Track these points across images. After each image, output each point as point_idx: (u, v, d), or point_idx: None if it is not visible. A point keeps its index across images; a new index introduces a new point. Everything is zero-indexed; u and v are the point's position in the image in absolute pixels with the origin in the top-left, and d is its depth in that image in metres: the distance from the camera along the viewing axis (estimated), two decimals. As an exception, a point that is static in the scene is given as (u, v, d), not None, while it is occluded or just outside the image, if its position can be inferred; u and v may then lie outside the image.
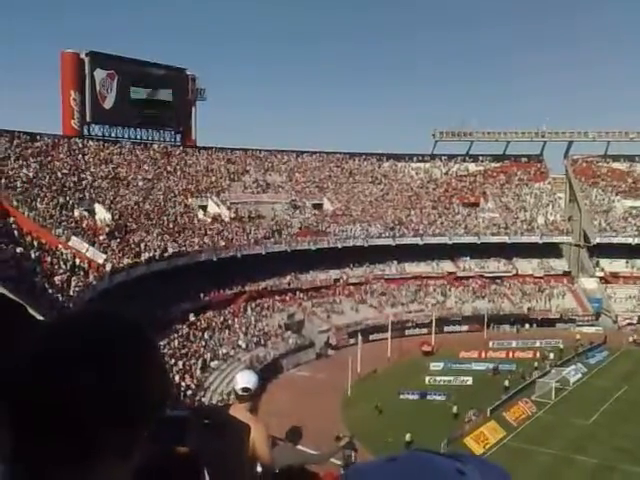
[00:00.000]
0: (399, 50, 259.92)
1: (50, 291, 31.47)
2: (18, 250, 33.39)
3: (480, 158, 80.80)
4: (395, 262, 66.35)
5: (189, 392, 35.18)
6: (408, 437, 31.15)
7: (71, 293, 32.56)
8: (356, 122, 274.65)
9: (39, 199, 43.02)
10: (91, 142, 58.61)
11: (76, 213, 44.90)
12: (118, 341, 0.91)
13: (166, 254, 46.27)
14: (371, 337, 54.12)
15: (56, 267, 34.74)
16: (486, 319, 58.89)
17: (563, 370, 44.60)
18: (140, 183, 56.17)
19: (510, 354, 51.47)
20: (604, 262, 68.09)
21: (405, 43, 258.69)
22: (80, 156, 54.92)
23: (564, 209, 75.85)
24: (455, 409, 36.90)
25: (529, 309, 63.59)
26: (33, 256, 34.20)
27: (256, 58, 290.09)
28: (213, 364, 42.08)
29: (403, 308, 61.60)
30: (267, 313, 53.92)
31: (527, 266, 68.67)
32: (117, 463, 0.89)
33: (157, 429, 0.95)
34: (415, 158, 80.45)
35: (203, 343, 43.99)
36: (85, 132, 59.90)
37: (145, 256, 43.93)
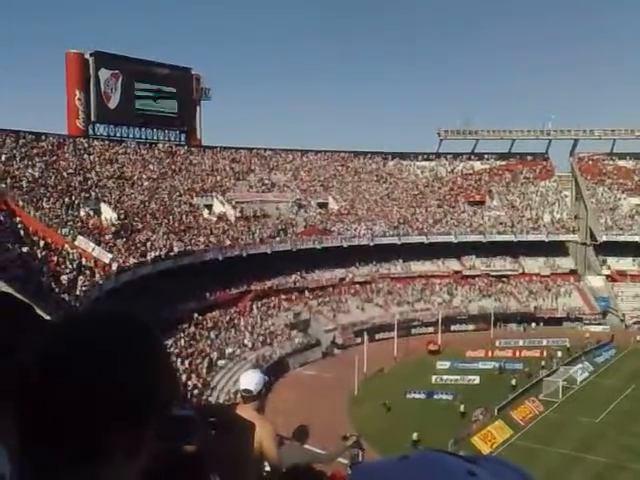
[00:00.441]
0: (404, 49, 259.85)
1: (57, 291, 31.49)
2: (24, 250, 33.43)
3: (485, 156, 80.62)
4: (401, 261, 66.26)
5: (195, 391, 35.18)
6: (415, 436, 31.07)
7: (77, 293, 32.57)
8: (361, 121, 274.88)
9: (45, 199, 43.08)
10: (96, 142, 58.70)
11: (82, 213, 44.96)
12: (126, 340, 0.91)
13: (172, 253, 46.29)
14: (377, 336, 54.09)
15: (62, 267, 34.76)
16: (492, 318, 58.75)
17: (570, 369, 44.42)
18: (145, 182, 56.24)
19: (517, 353, 51.33)
20: (611, 260, 67.88)
21: (410, 41, 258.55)
22: (85, 156, 55.00)
23: (570, 207, 75.60)
24: (462, 408, 36.77)
25: (536, 308, 63.40)
26: (39, 256, 34.24)
27: (261, 57, 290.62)
28: (219, 363, 42.09)
29: (409, 307, 61.49)
30: (273, 312, 53.91)
31: (533, 264, 68.48)
32: (125, 462, 0.89)
33: (163, 428, 0.95)
34: (420, 157, 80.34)
35: (209, 342, 44.01)
36: (90, 132, 60.02)
37: (151, 255, 43.95)
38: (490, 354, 50.57)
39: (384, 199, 72.01)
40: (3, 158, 46.16)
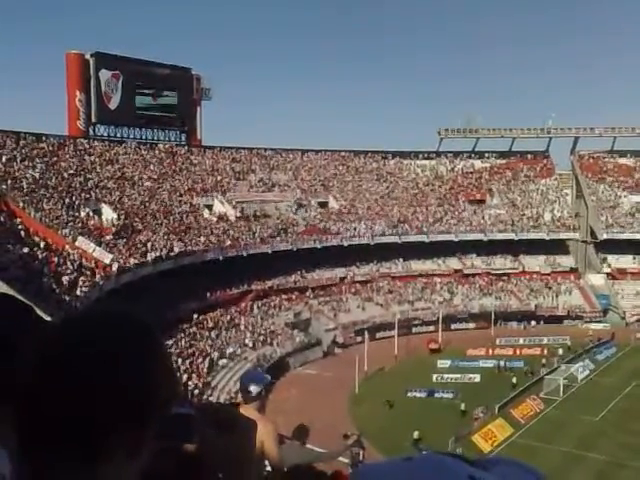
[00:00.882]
0: (404, 47, 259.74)
1: (57, 291, 31.56)
2: (25, 251, 33.49)
3: (486, 155, 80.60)
4: (401, 260, 66.30)
5: (196, 391, 35.24)
6: (416, 435, 31.11)
7: (78, 293, 32.63)
8: (361, 120, 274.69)
9: (45, 200, 43.12)
10: (97, 142, 58.74)
11: (82, 213, 45.01)
12: (125, 340, 0.91)
13: (172, 253, 46.35)
14: (378, 335, 54.17)
15: (63, 267, 34.82)
16: (493, 316, 58.79)
17: (571, 367, 44.45)
18: (146, 183, 56.28)
19: (517, 351, 51.42)
20: (611, 258, 67.89)
21: (410, 40, 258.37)
22: (86, 156, 55.04)
23: (571, 205, 75.60)
24: (463, 407, 36.82)
25: (536, 306, 63.42)
26: (40, 257, 34.29)
27: (260, 57, 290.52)
28: (220, 363, 42.15)
29: (410, 306, 61.53)
30: (274, 312, 53.96)
31: (534, 263, 68.51)
32: (126, 462, 0.89)
33: (164, 426, 0.95)
34: (421, 155, 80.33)
35: (210, 342, 44.06)
36: (91, 132, 60.08)
37: (151, 256, 44.00)
38: (491, 352, 50.62)
39: (384, 198, 72.04)
40: (4, 159, 46.22)
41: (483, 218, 71.05)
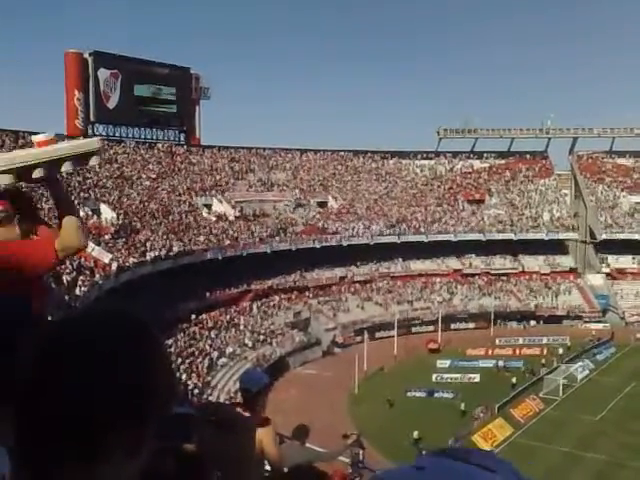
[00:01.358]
0: (403, 47, 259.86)
1: (56, 291, 31.48)
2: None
3: (485, 155, 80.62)
4: (400, 259, 66.28)
5: (196, 391, 35.18)
6: (416, 435, 31.08)
7: (77, 292, 32.59)
8: (360, 120, 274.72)
9: (44, 199, 43.01)
10: (95, 142, 58.55)
11: (81, 213, 44.88)
12: (124, 340, 0.91)
13: (171, 253, 46.29)
14: (377, 335, 54.17)
15: (62, 267, 34.72)
16: (492, 316, 58.78)
17: (570, 367, 44.46)
18: (145, 182, 56.23)
19: (517, 351, 51.44)
20: (610, 258, 67.92)
21: (409, 40, 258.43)
22: (85, 156, 54.89)
23: (570, 205, 75.65)
24: (462, 406, 36.82)
25: (536, 306, 63.43)
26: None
27: (259, 56, 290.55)
28: (220, 362, 42.10)
29: (409, 306, 61.50)
30: (273, 311, 53.92)
31: (533, 263, 68.52)
32: (125, 461, 0.89)
33: (164, 426, 0.95)
34: (419, 155, 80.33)
35: (209, 342, 44.00)
36: (89, 132, 59.88)
37: (150, 255, 43.94)
38: (490, 352, 50.62)
39: (383, 198, 72.03)
40: (2, 158, 46.10)
41: (482, 218, 71.05)
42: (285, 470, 4.74)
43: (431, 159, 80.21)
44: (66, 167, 2.73)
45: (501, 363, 47.02)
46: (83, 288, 33.39)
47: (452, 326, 58.77)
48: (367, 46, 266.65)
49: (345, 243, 62.49)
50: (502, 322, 60.74)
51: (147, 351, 0.93)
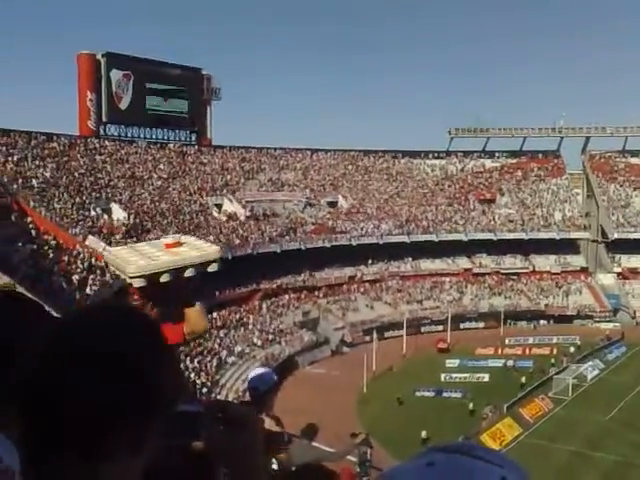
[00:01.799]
0: (415, 46, 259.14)
1: (67, 290, 31.78)
2: (35, 250, 33.72)
3: (496, 154, 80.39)
4: (410, 259, 66.22)
5: (204, 390, 35.36)
6: (424, 434, 31.09)
7: (88, 292, 32.85)
8: (371, 119, 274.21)
9: (56, 199, 43.41)
10: (107, 142, 59.00)
11: (93, 213, 45.27)
12: (130, 337, 0.91)
13: (182, 252, 46.45)
14: (386, 334, 54.13)
15: (73, 266, 35.05)
16: (502, 316, 58.62)
17: (580, 366, 44.30)
18: (156, 182, 56.51)
19: (527, 351, 51.27)
20: (622, 258, 67.54)
21: (421, 39, 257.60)
22: (96, 156, 55.33)
23: (581, 205, 75.32)
24: (471, 406, 36.81)
25: (546, 305, 63.20)
26: (50, 255, 34.53)
27: (270, 57, 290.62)
28: (229, 361, 42.27)
29: (418, 305, 61.48)
30: (282, 311, 54.05)
31: (544, 262, 68.26)
32: (128, 459, 0.89)
33: (172, 424, 0.95)
34: (431, 155, 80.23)
35: (218, 341, 44.17)
36: (101, 132, 60.30)
37: (161, 255, 44.13)
38: (500, 352, 50.50)
39: (394, 197, 71.98)
40: (15, 159, 46.53)
41: (493, 217, 70.86)
42: (294, 469, 4.86)
43: (442, 158, 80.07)
44: (188, 273, 3.00)
45: (510, 363, 46.92)
46: (94, 287, 33.64)
47: (462, 325, 58.68)
48: (378, 46, 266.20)
49: (355, 243, 62.52)
50: (512, 322, 60.54)
51: (152, 350, 0.92)
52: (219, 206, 58.76)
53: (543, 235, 68.40)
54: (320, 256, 58.77)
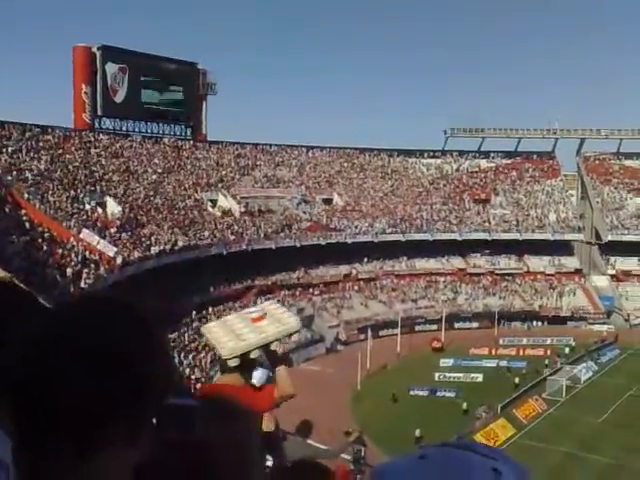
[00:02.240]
0: (412, 45, 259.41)
1: (61, 283, 31.59)
2: (29, 242, 33.52)
3: (492, 154, 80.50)
4: (405, 258, 66.21)
5: (198, 385, 35.23)
6: (418, 433, 31.05)
7: (82, 285, 32.67)
8: (367, 117, 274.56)
9: (50, 192, 43.16)
10: (102, 135, 58.74)
11: (87, 206, 45.03)
12: (118, 326, 0.91)
13: (176, 247, 46.36)
14: (381, 333, 54.07)
15: (67, 259, 34.86)
16: (496, 316, 58.67)
17: (574, 368, 44.37)
18: (150, 177, 56.31)
19: (521, 351, 51.33)
20: (615, 260, 67.69)
21: (417, 38, 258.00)
22: (91, 149, 55.08)
23: (576, 206, 75.45)
24: (465, 406, 36.81)
25: (540, 306, 63.29)
26: (44, 248, 34.33)
27: (266, 52, 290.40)
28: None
29: (413, 304, 61.45)
30: (277, 308, 53.85)
31: (538, 263, 68.36)
32: (123, 450, 0.89)
33: (167, 418, 0.96)
34: (426, 154, 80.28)
35: (213, 337, 44.01)
36: (96, 125, 60.03)
37: (155, 249, 44.02)
38: (494, 352, 50.56)
39: (389, 196, 71.96)
40: (9, 150, 46.25)
41: (488, 218, 70.91)
42: (289, 465, 4.73)
43: (438, 158, 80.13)
44: (274, 346, 3.35)
45: (503, 363, 46.98)
46: (88, 281, 33.47)
47: (456, 325, 58.72)
48: (375, 43, 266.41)
49: (350, 240, 62.47)
50: (506, 322, 60.59)
51: (140, 342, 0.92)
52: (214, 202, 58.60)
53: (537, 236, 68.49)
54: (315, 253, 58.69)
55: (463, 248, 67.49)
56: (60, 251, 35.17)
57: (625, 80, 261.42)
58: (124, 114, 62.16)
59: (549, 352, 50.10)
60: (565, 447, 31.72)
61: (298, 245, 58.31)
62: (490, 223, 69.86)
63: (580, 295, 64.96)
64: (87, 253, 36.72)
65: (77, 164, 50.73)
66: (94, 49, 59.74)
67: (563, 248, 69.54)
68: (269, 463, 4.45)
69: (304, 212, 64.47)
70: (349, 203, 69.00)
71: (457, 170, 78.89)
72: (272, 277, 56.00)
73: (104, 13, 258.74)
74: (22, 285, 1.40)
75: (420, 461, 0.75)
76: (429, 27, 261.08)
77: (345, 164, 75.30)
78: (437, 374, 44.80)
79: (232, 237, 53.62)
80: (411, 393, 40.52)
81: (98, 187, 48.97)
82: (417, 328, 57.36)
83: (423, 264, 66.61)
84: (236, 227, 55.66)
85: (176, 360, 35.66)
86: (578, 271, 68.43)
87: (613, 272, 67.06)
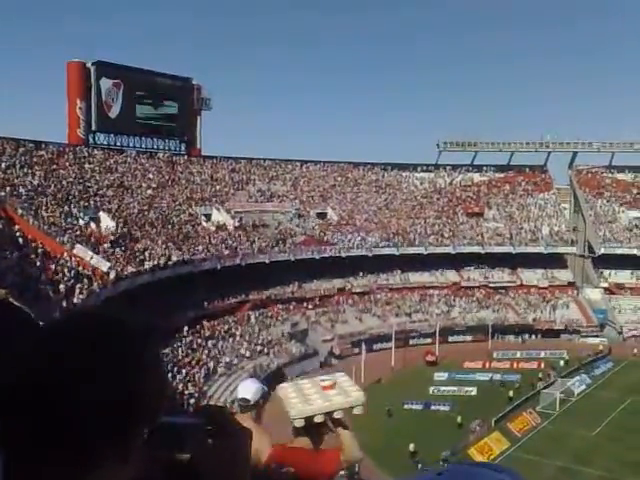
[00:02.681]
0: (404, 60, 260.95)
1: (54, 298, 31.49)
2: (22, 258, 33.44)
3: (484, 168, 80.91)
4: (399, 271, 66.29)
5: (192, 400, 35.13)
6: (412, 447, 31.00)
7: (75, 300, 32.57)
8: (360, 132, 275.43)
9: (44, 207, 43.12)
10: (96, 151, 58.80)
11: (81, 221, 44.99)
12: (109, 344, 0.90)
13: (170, 262, 46.31)
14: (375, 347, 53.96)
15: (60, 275, 34.77)
16: (490, 329, 58.70)
17: (567, 381, 44.40)
18: (145, 192, 56.32)
19: (514, 365, 51.32)
20: (608, 273, 67.92)
21: (410, 53, 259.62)
22: (85, 164, 55.09)
23: (568, 220, 75.78)
24: (459, 419, 36.76)
25: (534, 319, 63.37)
26: (37, 263, 34.25)
27: (260, 68, 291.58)
28: (217, 372, 42.03)
29: (407, 318, 61.44)
30: (271, 322, 53.86)
31: (532, 276, 68.53)
32: (114, 467, 0.89)
33: (157, 435, 0.94)
34: (419, 168, 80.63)
35: (207, 351, 43.95)
36: (90, 141, 60.12)
37: (149, 264, 43.96)
38: (488, 366, 50.56)
39: (383, 210, 72.16)
40: (3, 166, 46.23)
41: (481, 231, 71.13)
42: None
43: (431, 172, 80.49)
44: (337, 414, 3.61)
45: (497, 377, 46.98)
46: (81, 296, 33.37)
47: (450, 339, 58.68)
48: (368, 58, 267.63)
49: (344, 254, 62.54)
50: (500, 335, 60.62)
51: (131, 359, 0.92)
52: (208, 216, 58.62)
53: (531, 249, 68.72)
54: (309, 268, 58.72)
55: (457, 262, 67.65)
56: (53, 266, 35.09)
57: (617, 94, 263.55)
58: (118, 129, 62.29)
59: (543, 365, 50.15)
60: (559, 461, 31.72)
61: (292, 259, 58.34)
62: (483, 236, 70.08)
63: (573, 308, 65.11)
64: (80, 268, 36.64)
65: (71, 179, 50.72)
66: (88, 64, 59.94)
67: (556, 261, 69.77)
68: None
69: (298, 226, 64.57)
70: (343, 217, 69.13)
71: (450, 184, 79.24)
72: (266, 291, 55.96)
73: (99, 28, 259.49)
74: (15, 301, 1.49)
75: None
76: (421, 43, 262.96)
77: (339, 178, 75.53)
78: (431, 388, 44.75)
79: (226, 251, 53.61)
80: (405, 407, 40.45)
81: (92, 202, 48.96)
82: (411, 342, 57.27)
83: (417, 278, 66.69)
84: (230, 241, 55.67)
85: (169, 375, 35.52)
86: (571, 284, 68.64)
87: (606, 285, 67.27)
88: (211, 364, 42.31)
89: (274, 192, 68.00)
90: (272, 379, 42.16)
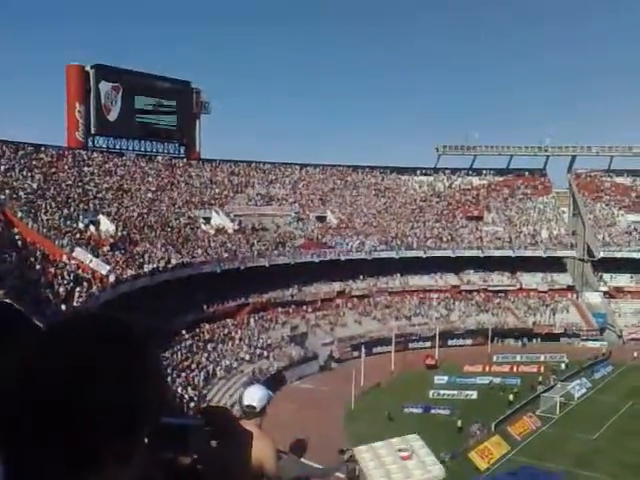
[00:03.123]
0: (404, 63, 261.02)
1: (53, 301, 31.43)
2: (22, 261, 33.38)
3: (483, 172, 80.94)
4: (398, 275, 66.25)
5: (192, 404, 35.04)
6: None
7: (74, 303, 32.50)
8: (360, 135, 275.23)
9: (43, 210, 43.09)
10: (95, 154, 58.79)
11: (80, 224, 44.93)
12: (109, 347, 0.90)
13: (170, 265, 46.26)
14: (374, 350, 53.93)
15: (60, 278, 34.71)
16: (490, 333, 58.62)
17: (568, 385, 44.31)
18: (144, 195, 56.28)
19: (514, 368, 51.23)
20: (608, 276, 67.88)
21: (409, 56, 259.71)
22: (85, 168, 55.07)
23: (568, 223, 75.77)
24: (459, 423, 36.66)
25: (534, 323, 63.30)
26: (37, 267, 34.19)
27: (259, 71, 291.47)
28: (216, 375, 41.94)
29: (407, 321, 61.39)
30: (270, 325, 53.80)
31: (531, 280, 68.50)
32: (114, 470, 0.89)
33: (159, 438, 0.95)
34: (419, 171, 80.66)
35: (206, 355, 43.88)
36: (90, 144, 60.11)
37: (149, 267, 43.90)
38: (487, 369, 50.46)
39: (382, 213, 72.15)
40: (2, 169, 46.25)
41: (480, 235, 71.11)
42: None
43: (430, 175, 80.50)
44: None
45: (496, 380, 46.91)
46: (80, 299, 33.30)
47: (449, 342, 58.63)
48: (367, 62, 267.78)
49: (343, 258, 62.49)
50: (500, 339, 60.56)
51: (131, 361, 0.92)
52: (207, 219, 58.58)
53: (530, 253, 68.69)
54: (309, 271, 58.66)
55: (456, 265, 67.62)
56: (53, 270, 35.04)
57: (616, 97, 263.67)
58: (118, 132, 62.27)
59: (543, 369, 50.07)
60: (560, 464, 31.55)
61: (292, 262, 58.29)
62: (483, 240, 70.06)
63: (573, 312, 65.05)
64: (80, 271, 36.59)
65: (70, 182, 50.70)
66: (87, 68, 59.96)
67: (556, 265, 69.76)
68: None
69: (298, 230, 64.54)
70: (342, 220, 69.12)
71: (449, 187, 79.26)
72: (266, 295, 55.90)
73: (98, 31, 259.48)
74: (15, 304, 1.46)
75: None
76: (419, 46, 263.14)
77: (338, 182, 75.53)
78: (431, 391, 44.63)
79: (226, 255, 53.56)
80: (405, 411, 40.34)
81: (92, 205, 48.91)
82: (411, 345, 57.23)
83: (416, 281, 66.65)
84: (230, 245, 55.62)
85: (169, 378, 35.44)
86: (571, 288, 68.61)
87: (606, 289, 67.22)
88: (211, 367, 42.23)
89: (273, 195, 68.00)
90: (272, 382, 42.18)
